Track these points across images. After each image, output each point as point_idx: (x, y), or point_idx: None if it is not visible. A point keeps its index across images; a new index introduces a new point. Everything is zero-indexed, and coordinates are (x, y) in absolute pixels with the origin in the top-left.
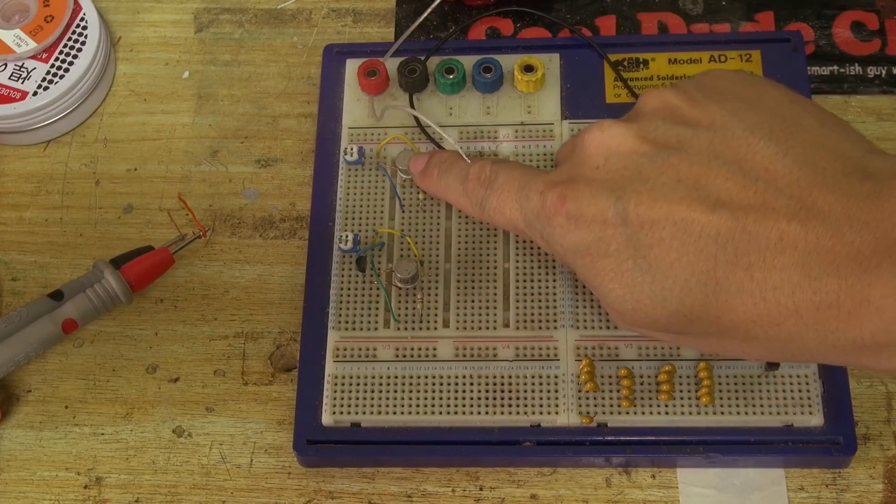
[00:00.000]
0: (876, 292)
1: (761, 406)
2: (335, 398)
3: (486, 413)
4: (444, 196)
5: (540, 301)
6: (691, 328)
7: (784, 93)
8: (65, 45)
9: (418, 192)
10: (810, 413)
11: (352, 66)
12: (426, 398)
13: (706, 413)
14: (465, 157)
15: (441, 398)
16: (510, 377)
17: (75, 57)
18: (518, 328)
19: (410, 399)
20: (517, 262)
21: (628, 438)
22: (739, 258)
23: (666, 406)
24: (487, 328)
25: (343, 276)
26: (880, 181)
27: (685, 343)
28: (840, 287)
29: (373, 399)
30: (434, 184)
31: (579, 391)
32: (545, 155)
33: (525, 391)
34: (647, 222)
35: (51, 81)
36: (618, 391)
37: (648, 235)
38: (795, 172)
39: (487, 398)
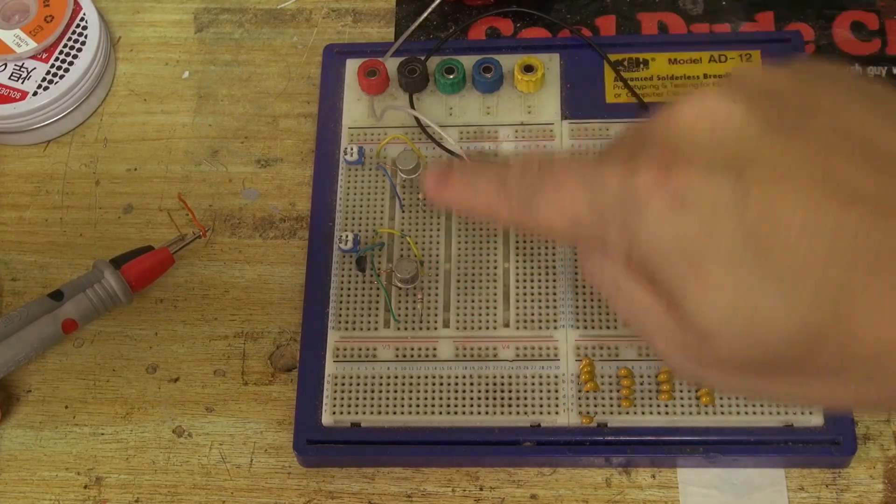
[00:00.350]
0: None
1: (761, 406)
2: (335, 398)
3: (486, 413)
4: (471, 202)
5: (540, 301)
6: (804, 361)
7: (880, 87)
8: (65, 45)
9: (418, 192)
10: (810, 413)
11: (352, 66)
12: (426, 398)
13: (706, 413)
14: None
15: (441, 398)
16: (510, 377)
17: (75, 57)
18: (518, 328)
19: (410, 399)
20: (517, 262)
21: (628, 438)
22: (882, 265)
23: (666, 406)
24: (487, 328)
25: (343, 276)
26: None
27: (777, 390)
28: None
29: (373, 399)
30: (459, 188)
31: (579, 391)
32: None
33: (525, 391)
34: (772, 213)
35: (51, 81)
36: (618, 391)
37: (773, 230)
38: None
39: (487, 398)
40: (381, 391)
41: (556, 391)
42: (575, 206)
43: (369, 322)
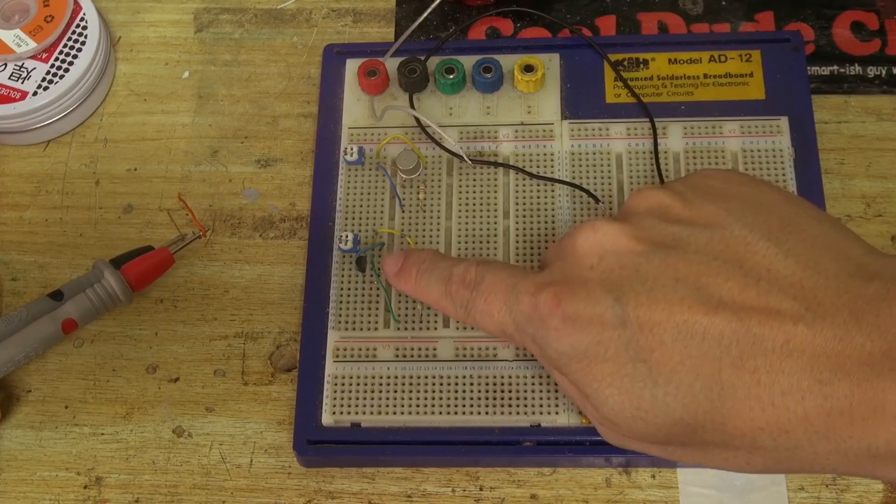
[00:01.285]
0: (891, 398)
1: None
2: (335, 398)
3: (486, 413)
4: (423, 298)
5: None
6: (693, 438)
7: (778, 191)
8: (65, 45)
9: (418, 192)
10: None
11: (352, 66)
12: (426, 398)
13: None
14: (440, 257)
15: (441, 398)
16: (510, 377)
17: (75, 57)
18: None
19: (410, 399)
20: (517, 262)
21: None
22: (745, 361)
23: None
24: None
25: (343, 276)
26: (885, 283)
27: (683, 458)
28: (852, 392)
29: (373, 399)
30: (412, 284)
31: None
32: (545, 155)
33: (525, 391)
34: (648, 324)
35: (51, 81)
36: None
37: (649, 338)
38: (798, 273)
39: (487, 398)
40: (380, 391)
41: (556, 391)
42: (500, 318)
43: (369, 322)
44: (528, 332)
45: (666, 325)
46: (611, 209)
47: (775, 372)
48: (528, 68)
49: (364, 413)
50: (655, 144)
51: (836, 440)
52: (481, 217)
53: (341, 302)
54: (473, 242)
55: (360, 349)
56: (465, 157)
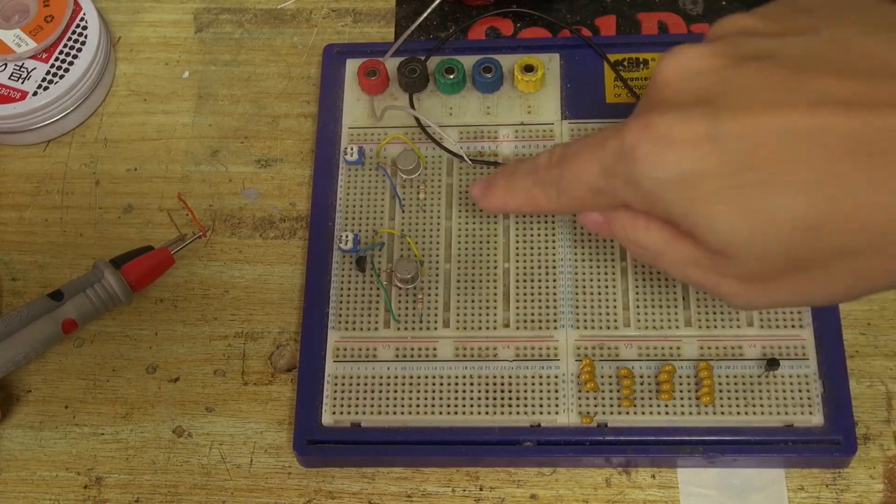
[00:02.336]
0: None
1: (761, 406)
2: (335, 398)
3: (486, 413)
4: (516, 204)
5: (540, 301)
6: (817, 247)
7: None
8: (65, 45)
9: (418, 192)
10: (810, 413)
11: (352, 66)
12: (426, 398)
13: (706, 413)
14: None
15: (441, 398)
16: (510, 377)
17: (75, 57)
18: (518, 328)
19: (410, 399)
20: (517, 262)
21: (628, 438)
22: (859, 150)
23: (666, 406)
24: (487, 328)
25: (343, 276)
26: None
27: (810, 291)
28: None
29: (373, 399)
30: (502, 194)
31: (579, 391)
32: None
33: (525, 391)
34: (748, 131)
35: (51, 81)
36: (618, 391)
37: (751, 144)
38: None
39: (487, 398)
40: (381, 391)
41: (556, 391)
42: (591, 175)
43: (369, 322)
44: (620, 176)
45: (768, 129)
46: None
47: (893, 155)
48: (528, 68)
49: (364, 413)
50: None
51: None
52: (481, 217)
53: (341, 302)
54: (473, 243)
55: (360, 349)
56: (466, 158)
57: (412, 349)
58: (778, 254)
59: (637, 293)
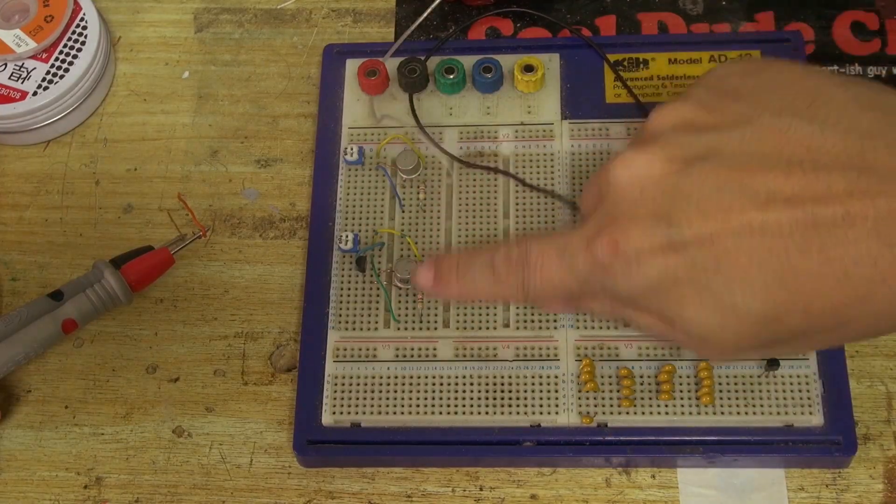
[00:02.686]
0: None
1: (761, 406)
2: (335, 398)
3: (486, 413)
4: (472, 296)
5: None
6: (783, 331)
7: (794, 66)
8: (65, 45)
9: (418, 192)
10: (810, 413)
11: (352, 66)
12: (426, 398)
13: (706, 413)
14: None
15: (441, 398)
16: (510, 377)
17: (75, 57)
18: (518, 328)
19: (410, 399)
20: None
21: (628, 438)
22: (810, 244)
23: (666, 406)
24: (487, 328)
25: (343, 276)
26: None
27: (780, 353)
28: None
29: (373, 399)
30: (457, 287)
31: (579, 391)
32: (545, 155)
33: (525, 391)
34: (707, 238)
35: (51, 81)
36: (618, 391)
37: (712, 250)
38: (839, 144)
39: (487, 398)
40: (381, 391)
41: (556, 391)
42: (563, 282)
43: (369, 322)
44: (594, 284)
45: (724, 233)
46: None
47: (841, 245)
48: (528, 68)
49: (364, 413)
50: None
51: None
52: (481, 217)
53: (341, 302)
54: (473, 242)
55: (360, 349)
56: (459, 160)
57: (412, 349)
58: (748, 339)
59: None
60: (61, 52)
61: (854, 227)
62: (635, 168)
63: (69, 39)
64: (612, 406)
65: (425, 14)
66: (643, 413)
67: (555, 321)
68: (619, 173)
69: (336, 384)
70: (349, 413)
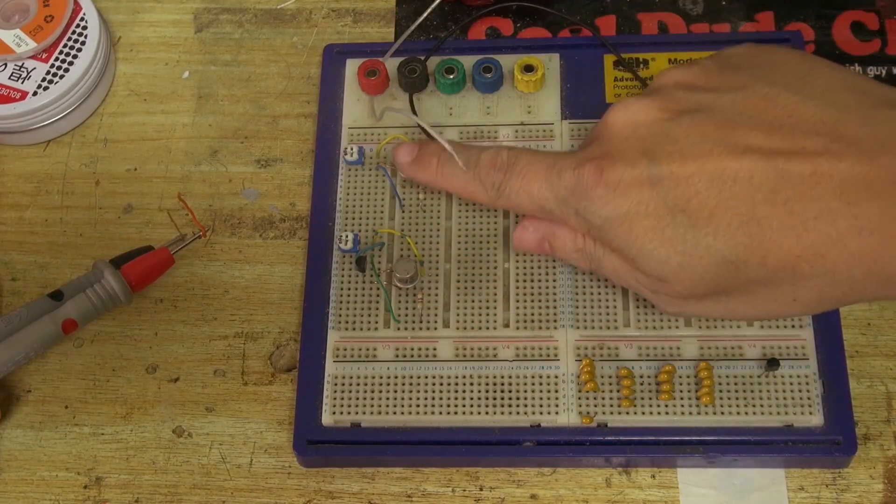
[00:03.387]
0: None
1: (761, 406)
2: (335, 398)
3: (486, 413)
4: (444, 185)
5: (540, 301)
6: (738, 278)
7: (794, 51)
8: (65, 45)
9: (418, 192)
10: (810, 413)
11: (352, 66)
12: (426, 398)
13: (706, 413)
14: (450, 148)
15: (441, 398)
16: (510, 377)
17: (75, 57)
18: (518, 328)
19: (410, 399)
20: (517, 262)
21: (628, 438)
22: (776, 195)
23: (666, 406)
24: (487, 328)
25: (343, 276)
26: None
27: (736, 310)
28: (882, 211)
29: (373, 399)
30: (434, 172)
31: (579, 391)
32: None
33: (525, 391)
34: (682, 177)
35: (51, 81)
36: (618, 391)
37: (684, 189)
38: (819, 113)
39: (487, 398)
40: (381, 391)
41: (556, 391)
42: (541, 193)
43: (369, 322)
44: (570, 206)
45: (698, 175)
46: None
47: (805, 200)
48: (528, 68)
49: (364, 413)
50: None
51: (869, 262)
52: (481, 217)
53: (341, 302)
54: (473, 242)
55: (360, 349)
56: (461, 162)
57: (412, 349)
58: (704, 282)
59: (637, 293)
60: (61, 52)
61: (819, 185)
62: (631, 112)
63: (69, 39)
64: (612, 406)
65: (425, 14)
66: (643, 413)
67: (555, 321)
68: (616, 115)
69: (336, 384)
70: (349, 413)
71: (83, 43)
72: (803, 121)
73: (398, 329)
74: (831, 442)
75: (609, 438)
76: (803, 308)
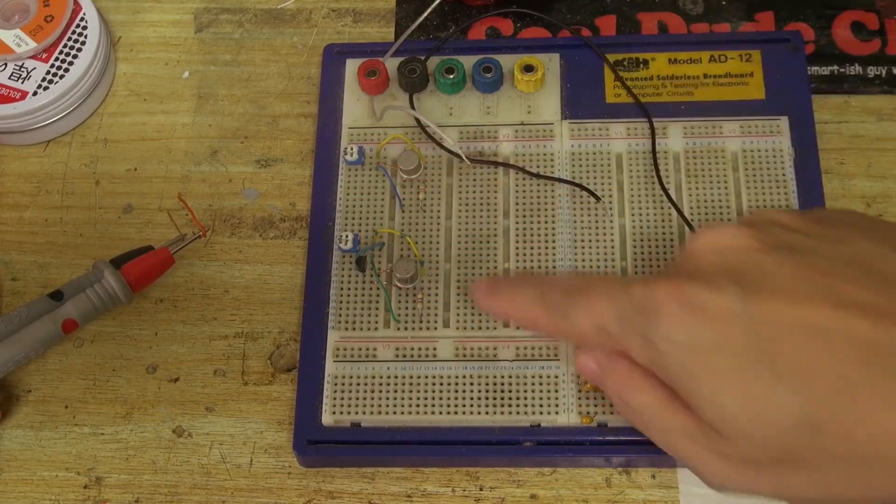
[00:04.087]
0: None
1: None
2: (335, 398)
3: (486, 413)
4: (516, 315)
5: None
6: (812, 447)
7: (893, 223)
8: (65, 45)
9: (418, 192)
10: None
11: (352, 66)
12: (426, 398)
13: None
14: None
15: (441, 398)
16: (510, 377)
17: (75, 57)
18: (518, 328)
19: (410, 399)
20: (517, 262)
21: (628, 438)
22: (876, 359)
23: None
24: (487, 328)
25: (343, 276)
26: None
27: (797, 491)
28: None
29: (373, 399)
30: (506, 301)
31: (579, 391)
32: (545, 155)
33: (525, 391)
34: (775, 317)
35: (51, 81)
36: None
37: (774, 332)
38: None
39: (487, 398)
40: (381, 391)
41: (556, 391)
42: (603, 315)
43: (369, 322)
44: (634, 326)
45: (793, 320)
46: (611, 208)
47: None
48: (528, 68)
49: (364, 413)
50: (654, 145)
51: None
52: (481, 217)
53: (341, 302)
54: (473, 242)
55: (360, 349)
56: (464, 157)
57: (412, 349)
58: (775, 443)
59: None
60: (61, 52)
61: None
62: (719, 235)
63: (69, 39)
64: (612, 406)
65: (425, 14)
66: None
67: None
68: (701, 238)
69: (336, 384)
70: (349, 413)
71: (83, 43)
72: None
73: (398, 329)
74: None
75: (609, 438)
76: (874, 495)
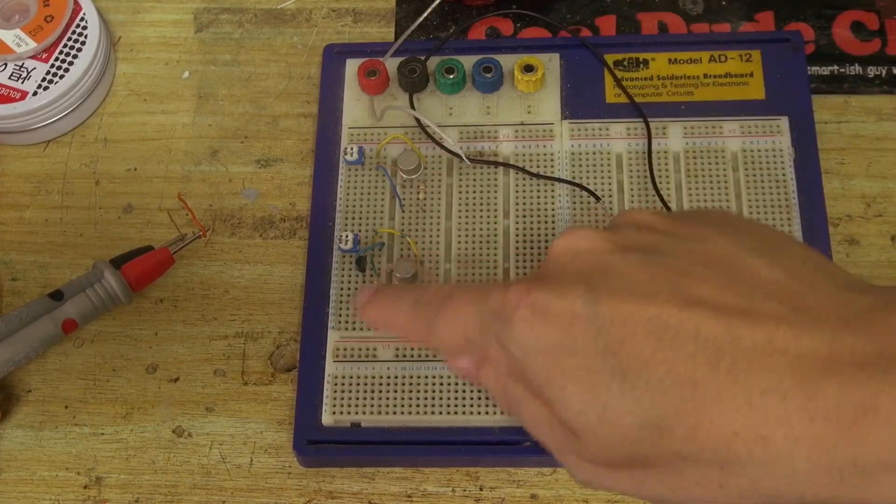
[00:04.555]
0: (883, 401)
1: None
2: (335, 398)
3: (486, 413)
4: (389, 323)
5: None
6: (661, 447)
7: (767, 225)
8: (65, 45)
9: (418, 192)
10: None
11: (352, 66)
12: (426, 398)
13: None
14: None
15: (441, 398)
16: None
17: (75, 57)
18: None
19: (410, 399)
20: (517, 262)
21: None
22: (721, 359)
23: None
24: None
25: (343, 276)
26: (878, 296)
27: (652, 487)
28: (839, 395)
29: (373, 399)
30: (383, 312)
31: None
32: (545, 155)
33: None
34: (619, 316)
35: (51, 81)
36: None
37: (620, 330)
38: (784, 281)
39: (487, 398)
40: (380, 391)
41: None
42: (466, 322)
43: None
44: (492, 331)
45: (638, 318)
46: (611, 208)
47: (754, 370)
48: (528, 68)
49: (364, 413)
50: (649, 146)
51: (818, 451)
52: (481, 217)
53: (341, 302)
54: (473, 242)
55: (360, 349)
56: (464, 157)
57: (412, 349)
58: (622, 446)
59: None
60: (61, 52)
61: (772, 356)
62: (574, 239)
63: (69, 39)
64: None
65: (425, 14)
66: None
67: None
68: (559, 241)
69: (336, 384)
70: (349, 413)
71: (83, 43)
72: (765, 284)
73: None
74: None
75: None
76: (728, 498)
